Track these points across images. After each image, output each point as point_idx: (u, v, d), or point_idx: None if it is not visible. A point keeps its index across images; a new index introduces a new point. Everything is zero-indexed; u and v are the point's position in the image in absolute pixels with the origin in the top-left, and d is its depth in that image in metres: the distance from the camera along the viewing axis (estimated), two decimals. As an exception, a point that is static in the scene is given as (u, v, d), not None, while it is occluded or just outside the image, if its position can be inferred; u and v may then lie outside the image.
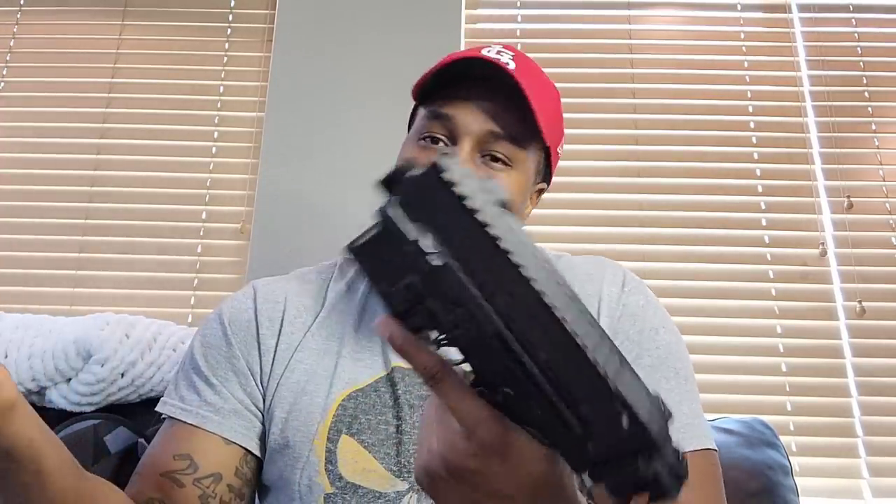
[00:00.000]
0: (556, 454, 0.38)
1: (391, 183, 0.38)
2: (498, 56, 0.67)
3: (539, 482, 0.39)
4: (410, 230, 0.36)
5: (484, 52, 0.68)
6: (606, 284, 0.70)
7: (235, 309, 0.74)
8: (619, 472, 0.34)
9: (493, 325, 0.35)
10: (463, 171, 0.36)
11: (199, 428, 0.67)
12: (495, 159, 0.67)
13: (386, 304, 0.38)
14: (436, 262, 0.36)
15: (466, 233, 0.35)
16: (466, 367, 0.38)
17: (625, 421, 0.33)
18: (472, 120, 0.66)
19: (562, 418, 0.35)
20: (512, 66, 0.66)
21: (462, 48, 1.43)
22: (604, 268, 0.73)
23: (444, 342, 0.38)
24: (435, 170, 0.36)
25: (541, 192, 0.77)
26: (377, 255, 0.38)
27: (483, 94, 0.66)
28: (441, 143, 0.67)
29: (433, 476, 0.39)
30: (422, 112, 0.70)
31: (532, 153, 0.69)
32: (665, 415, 0.35)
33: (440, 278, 0.36)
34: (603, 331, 0.36)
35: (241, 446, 0.68)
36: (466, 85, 0.67)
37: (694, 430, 0.64)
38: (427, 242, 0.36)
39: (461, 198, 0.35)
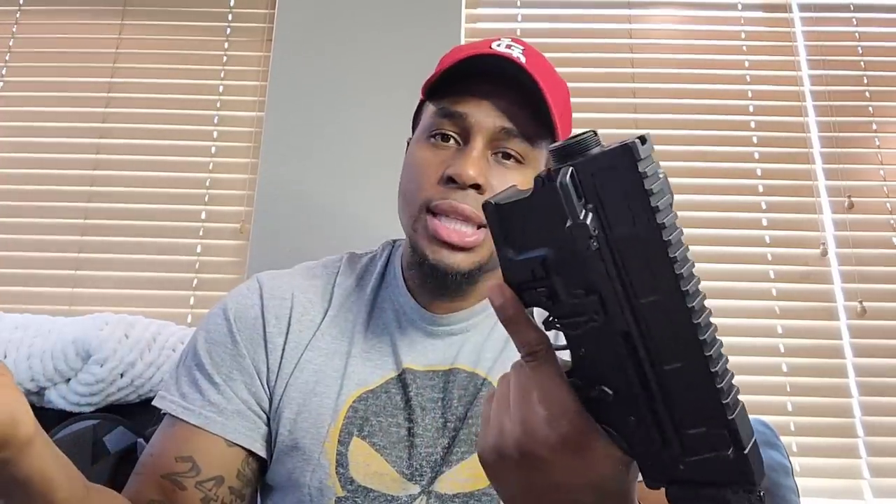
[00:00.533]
0: (632, 462, 0.38)
1: (568, 153, 0.35)
2: (508, 51, 0.65)
3: (608, 487, 0.38)
4: (578, 206, 0.34)
5: (494, 47, 0.66)
6: None
7: (241, 305, 0.72)
8: (697, 497, 0.34)
9: (625, 324, 0.35)
10: (654, 163, 0.33)
11: (202, 429, 0.65)
12: (507, 156, 0.65)
13: (506, 271, 0.37)
14: (594, 245, 0.34)
15: (640, 228, 0.33)
16: (566, 355, 0.38)
17: (731, 452, 0.33)
18: (484, 117, 0.64)
19: (661, 434, 0.35)
20: (523, 60, 0.64)
21: (462, 48, 1.43)
22: None
23: (557, 325, 0.37)
24: (629, 154, 0.33)
25: None
26: (518, 219, 0.37)
27: (495, 90, 0.64)
28: (452, 142, 0.66)
29: (504, 457, 0.38)
30: (431, 109, 0.68)
31: (543, 149, 0.68)
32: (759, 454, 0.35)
33: (589, 262, 0.34)
34: (727, 358, 0.35)
35: (243, 448, 0.67)
36: (477, 80, 0.65)
37: None
38: (591, 223, 0.34)
39: (649, 192, 0.33)
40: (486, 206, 0.38)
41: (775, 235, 1.39)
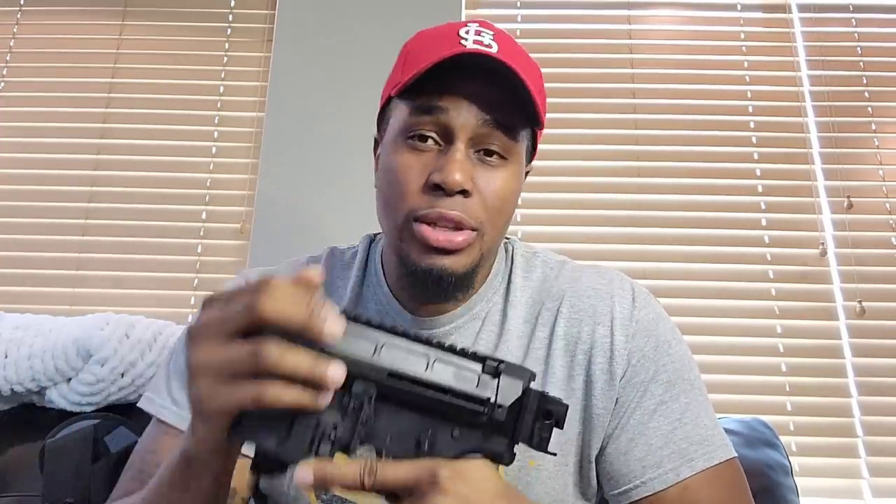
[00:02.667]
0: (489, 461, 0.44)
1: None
2: (479, 38, 0.62)
3: (500, 485, 0.43)
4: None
5: (463, 34, 0.62)
6: (617, 301, 0.67)
7: None
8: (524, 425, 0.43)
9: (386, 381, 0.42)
10: None
11: None
12: (490, 153, 0.62)
13: (288, 458, 0.42)
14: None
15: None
16: (370, 452, 0.43)
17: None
18: (465, 112, 0.60)
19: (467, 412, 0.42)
20: (495, 48, 0.61)
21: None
22: (611, 282, 0.69)
23: (355, 443, 0.42)
24: None
25: (526, 174, 0.71)
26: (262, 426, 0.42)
27: (472, 83, 0.60)
28: (431, 142, 0.62)
29: None
30: (403, 107, 0.63)
31: (524, 139, 0.65)
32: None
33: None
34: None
35: (249, 457, 0.66)
36: (452, 74, 0.60)
37: (715, 440, 0.63)
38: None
39: None
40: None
41: (774, 235, 1.40)
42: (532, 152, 0.70)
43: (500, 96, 0.60)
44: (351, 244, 0.79)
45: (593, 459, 0.65)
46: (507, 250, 0.74)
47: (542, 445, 0.43)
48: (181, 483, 0.47)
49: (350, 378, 0.41)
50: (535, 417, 0.43)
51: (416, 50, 0.66)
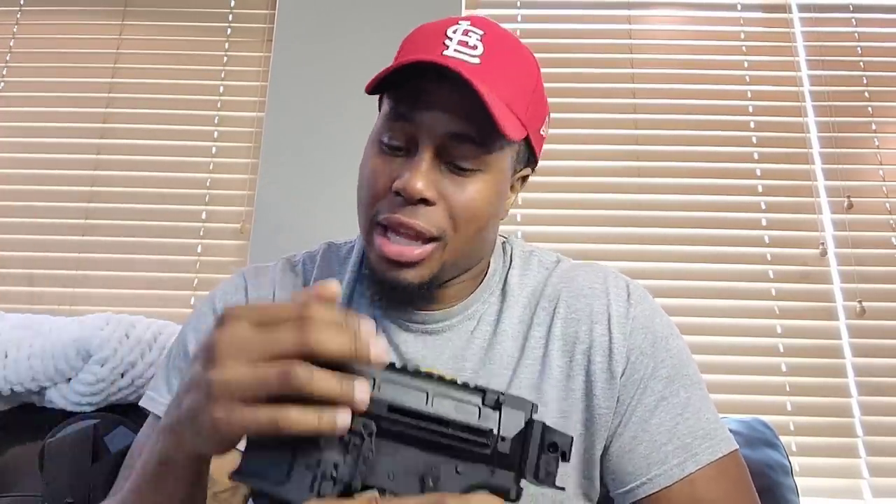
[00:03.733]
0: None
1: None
2: (464, 40, 0.60)
3: None
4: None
5: (450, 34, 0.61)
6: (613, 299, 0.67)
7: (229, 300, 0.71)
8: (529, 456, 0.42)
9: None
10: None
11: None
12: (460, 164, 0.60)
13: (290, 499, 0.41)
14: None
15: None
16: (373, 493, 0.43)
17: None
18: (433, 122, 0.59)
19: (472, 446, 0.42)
20: (479, 50, 0.59)
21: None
22: (605, 280, 0.69)
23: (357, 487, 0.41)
24: None
25: (525, 178, 0.71)
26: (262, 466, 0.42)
27: (445, 92, 0.58)
28: (401, 149, 0.61)
29: None
30: (385, 107, 0.64)
31: (505, 150, 0.63)
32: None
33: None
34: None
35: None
36: (427, 80, 0.59)
37: (718, 433, 0.63)
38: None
39: None
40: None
41: (774, 235, 1.39)
42: (530, 157, 0.69)
43: (469, 108, 0.58)
44: (348, 239, 0.79)
45: (598, 460, 0.65)
46: (505, 250, 0.74)
47: (549, 480, 0.42)
48: (156, 484, 0.47)
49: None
50: (539, 450, 0.42)
51: (407, 44, 0.66)
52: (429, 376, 0.43)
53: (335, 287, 0.41)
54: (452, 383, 0.43)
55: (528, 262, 0.73)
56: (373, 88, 0.62)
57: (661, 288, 1.36)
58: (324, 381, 0.38)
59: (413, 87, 0.60)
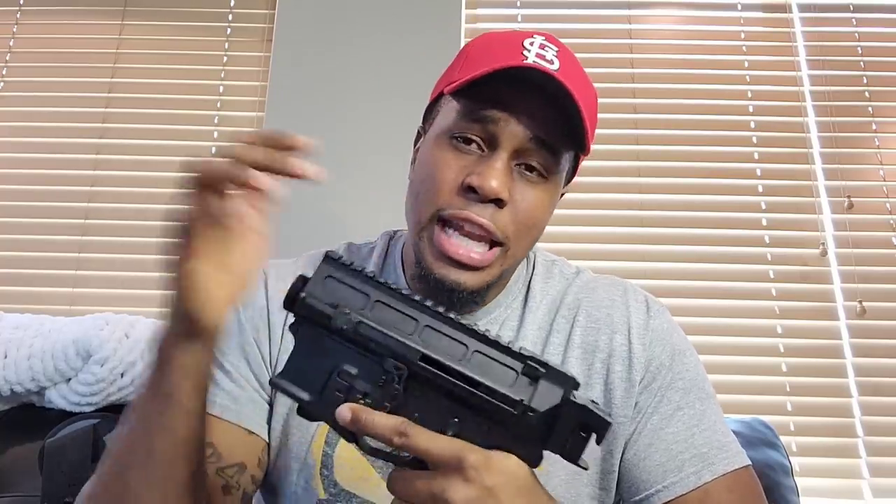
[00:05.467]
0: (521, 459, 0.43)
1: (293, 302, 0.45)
2: (543, 53, 0.61)
3: (527, 484, 0.43)
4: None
5: (527, 45, 0.61)
6: (633, 311, 0.68)
7: (248, 293, 0.72)
8: (562, 434, 0.41)
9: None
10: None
11: (218, 417, 0.63)
12: (531, 169, 0.62)
13: (319, 412, 0.44)
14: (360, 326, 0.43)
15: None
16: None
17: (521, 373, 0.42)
18: (515, 125, 0.60)
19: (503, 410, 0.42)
20: (556, 65, 0.60)
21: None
22: (625, 292, 0.70)
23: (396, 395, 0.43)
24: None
25: (562, 195, 0.72)
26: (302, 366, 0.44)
27: (527, 96, 0.60)
28: (475, 146, 0.61)
29: None
30: (455, 106, 0.63)
31: (566, 160, 0.65)
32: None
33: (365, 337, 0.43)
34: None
35: (261, 437, 0.65)
36: (508, 84, 0.60)
37: (733, 447, 0.64)
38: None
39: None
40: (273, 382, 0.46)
41: (775, 235, 1.39)
42: (571, 176, 0.71)
43: (552, 116, 0.60)
44: (368, 240, 0.80)
45: (616, 469, 0.65)
46: (528, 257, 0.74)
47: (573, 456, 0.42)
48: (156, 419, 0.48)
49: (385, 353, 0.42)
50: (571, 429, 0.41)
51: (477, 51, 0.66)
52: (474, 332, 0.43)
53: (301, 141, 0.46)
54: (497, 344, 0.43)
55: (551, 270, 0.74)
56: (454, 91, 0.62)
57: (661, 288, 1.35)
58: (247, 150, 0.46)
59: (495, 90, 0.60)
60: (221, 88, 1.51)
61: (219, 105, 1.50)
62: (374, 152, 1.36)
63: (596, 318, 0.68)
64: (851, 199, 1.40)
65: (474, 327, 0.43)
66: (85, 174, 1.46)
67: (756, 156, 1.44)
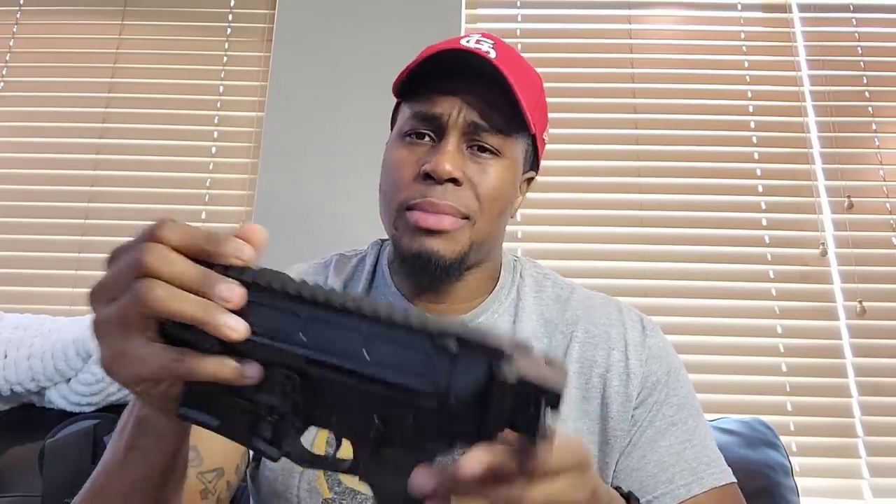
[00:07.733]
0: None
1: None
2: (478, 46, 0.65)
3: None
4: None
5: (463, 43, 0.65)
6: (629, 328, 0.70)
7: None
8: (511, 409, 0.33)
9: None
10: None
11: None
12: (483, 149, 0.65)
13: (233, 438, 0.39)
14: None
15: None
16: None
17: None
18: (456, 114, 0.64)
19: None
20: (493, 54, 0.64)
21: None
22: (620, 311, 0.72)
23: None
24: None
25: (530, 180, 0.75)
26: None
27: (465, 86, 0.64)
28: (427, 139, 0.66)
29: None
30: (406, 112, 0.68)
31: (519, 141, 0.68)
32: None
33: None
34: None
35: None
36: (448, 77, 0.65)
37: (721, 464, 0.66)
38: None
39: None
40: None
41: (775, 235, 1.39)
42: (535, 161, 0.73)
43: (491, 99, 0.64)
44: (355, 249, 0.81)
45: (610, 479, 0.66)
46: (515, 267, 0.76)
47: (531, 430, 0.32)
48: (134, 449, 0.45)
49: (269, 362, 0.36)
50: (512, 407, 0.33)
51: (420, 55, 0.69)
52: (361, 315, 0.35)
53: (259, 232, 0.38)
54: (393, 323, 0.35)
55: (542, 283, 0.75)
56: (399, 90, 0.67)
57: (662, 288, 1.36)
58: (178, 303, 0.35)
59: (436, 83, 0.65)
60: (221, 88, 1.51)
61: (219, 105, 1.50)
62: (374, 152, 1.36)
63: (594, 334, 0.70)
64: (851, 199, 1.40)
65: (363, 306, 0.35)
66: (85, 174, 1.46)
67: (756, 156, 1.44)
